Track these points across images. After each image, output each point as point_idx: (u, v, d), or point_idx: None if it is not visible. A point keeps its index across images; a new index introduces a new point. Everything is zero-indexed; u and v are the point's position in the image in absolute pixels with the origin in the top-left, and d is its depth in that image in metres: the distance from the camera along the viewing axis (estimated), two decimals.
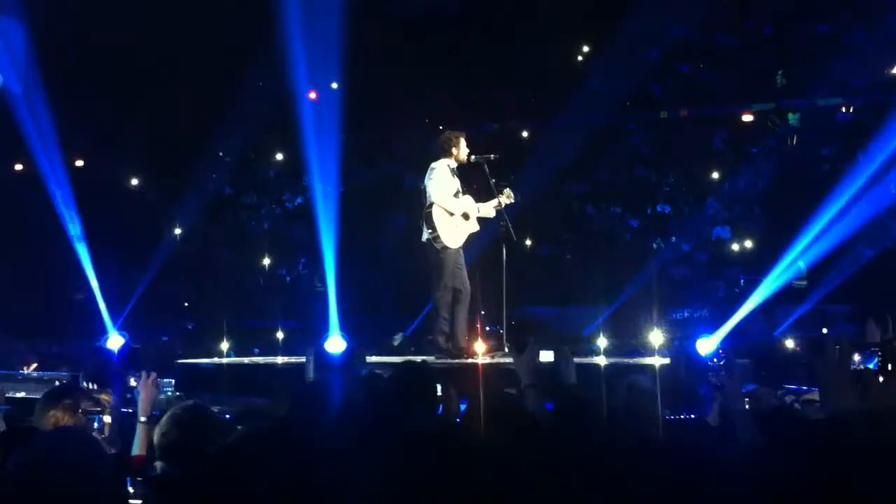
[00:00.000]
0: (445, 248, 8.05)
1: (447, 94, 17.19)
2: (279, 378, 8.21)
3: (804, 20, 18.11)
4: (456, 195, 8.23)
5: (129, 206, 16.57)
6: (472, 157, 8.34)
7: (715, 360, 5.79)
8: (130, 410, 6.15)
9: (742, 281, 11.77)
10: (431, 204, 8.06)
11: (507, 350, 8.10)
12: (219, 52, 15.83)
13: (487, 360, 8.02)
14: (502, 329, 8.54)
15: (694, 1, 16.59)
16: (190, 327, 14.99)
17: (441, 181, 8.12)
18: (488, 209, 8.43)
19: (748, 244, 16.24)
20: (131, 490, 3.85)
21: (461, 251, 8.32)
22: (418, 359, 8.45)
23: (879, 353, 5.27)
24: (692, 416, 5.17)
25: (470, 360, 7.94)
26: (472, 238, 8.43)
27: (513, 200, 8.43)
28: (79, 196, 11.62)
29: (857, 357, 4.95)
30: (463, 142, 8.32)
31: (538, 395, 4.23)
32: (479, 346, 8.33)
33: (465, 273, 8.31)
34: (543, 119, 18.32)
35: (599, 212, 18.24)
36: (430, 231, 8.04)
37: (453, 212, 8.14)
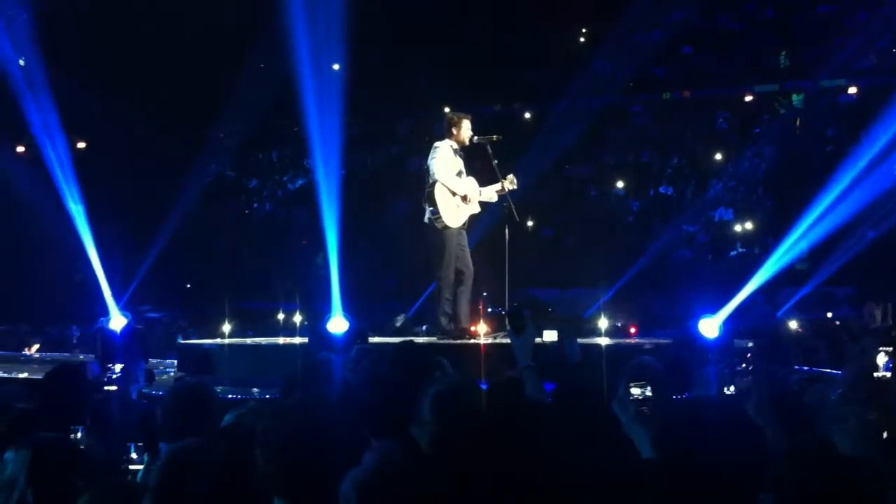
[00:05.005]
0: (446, 227, 8.03)
1: (450, 76, 17.17)
2: (283, 359, 8.21)
3: (807, 2, 18.04)
4: (459, 175, 8.21)
5: (132, 188, 16.57)
6: (475, 138, 8.31)
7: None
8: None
9: None
10: (434, 183, 8.04)
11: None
12: (220, 34, 15.79)
13: (489, 340, 8.03)
14: (504, 311, 8.54)
15: None
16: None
17: (444, 160, 8.09)
18: (490, 193, 8.41)
19: (751, 225, 16.22)
20: (134, 456, 3.86)
21: (464, 232, 8.30)
22: (420, 339, 8.50)
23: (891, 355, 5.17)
24: (694, 396, 5.16)
25: (472, 341, 7.95)
26: (474, 220, 8.41)
27: (515, 186, 8.40)
28: (81, 178, 11.60)
29: (881, 360, 4.89)
30: (466, 124, 8.27)
31: (536, 377, 4.22)
32: (481, 327, 8.35)
33: (468, 254, 8.30)
34: (546, 101, 18.29)
35: (602, 194, 18.22)
36: (431, 210, 8.02)
37: (455, 191, 8.12)
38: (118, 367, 4.71)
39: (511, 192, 8.35)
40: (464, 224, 8.22)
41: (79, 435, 4.05)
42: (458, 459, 2.88)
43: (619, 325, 11.22)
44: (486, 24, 17.57)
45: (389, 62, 16.94)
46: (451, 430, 2.97)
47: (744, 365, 6.73)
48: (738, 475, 2.41)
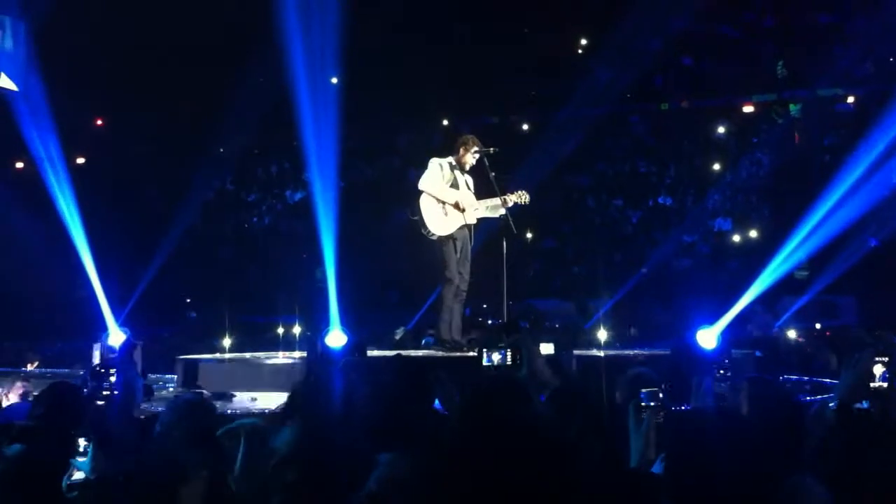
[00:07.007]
0: (433, 234, 8.18)
1: (449, 87, 17.20)
2: (282, 373, 8.21)
3: (806, 10, 18.05)
4: (452, 186, 8.33)
5: (131, 203, 16.57)
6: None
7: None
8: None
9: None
10: (420, 194, 8.28)
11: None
12: (218, 48, 15.82)
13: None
14: (503, 322, 8.54)
15: None
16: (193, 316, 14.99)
17: (430, 172, 8.31)
18: (493, 206, 8.44)
19: (750, 235, 16.21)
20: None
21: (467, 244, 8.34)
22: (419, 352, 8.51)
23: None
24: (692, 406, 5.15)
25: (470, 354, 7.94)
26: (471, 230, 8.41)
27: (526, 202, 8.48)
28: (80, 193, 11.61)
29: (878, 370, 4.90)
30: (475, 150, 8.39)
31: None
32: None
33: (467, 266, 8.35)
34: (544, 111, 18.31)
35: (600, 204, 18.22)
36: (417, 219, 8.20)
37: (444, 200, 8.25)
38: (112, 377, 4.69)
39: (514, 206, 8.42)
40: (455, 233, 8.25)
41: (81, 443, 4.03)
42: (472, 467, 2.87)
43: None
44: (486, 35, 17.60)
45: (389, 73, 16.97)
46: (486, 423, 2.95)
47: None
48: (744, 486, 2.40)
